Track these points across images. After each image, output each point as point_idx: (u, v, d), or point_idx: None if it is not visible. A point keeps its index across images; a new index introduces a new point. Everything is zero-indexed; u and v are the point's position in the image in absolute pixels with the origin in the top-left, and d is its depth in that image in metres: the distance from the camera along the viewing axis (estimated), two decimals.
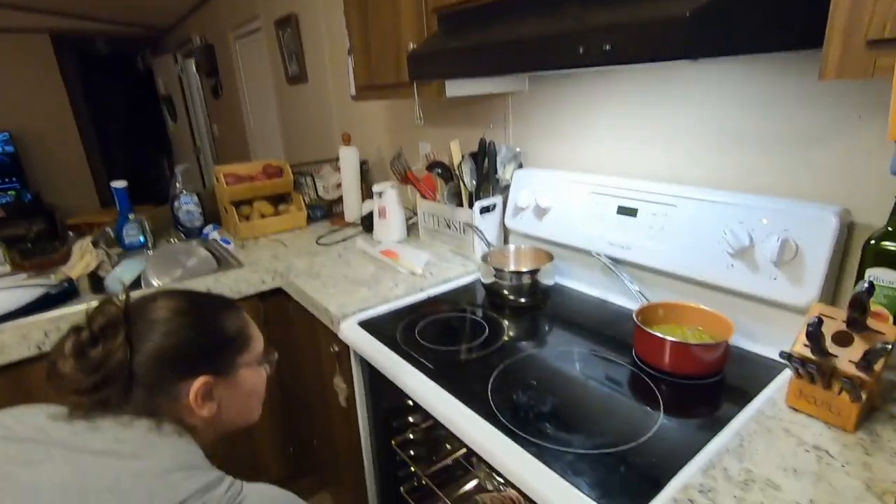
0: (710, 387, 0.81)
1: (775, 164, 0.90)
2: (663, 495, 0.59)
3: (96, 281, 1.44)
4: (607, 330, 1.02)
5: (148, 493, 0.54)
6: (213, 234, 1.74)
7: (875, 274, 0.73)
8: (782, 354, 0.64)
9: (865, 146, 0.79)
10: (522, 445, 0.70)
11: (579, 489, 0.62)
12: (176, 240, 1.71)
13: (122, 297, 0.64)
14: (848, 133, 0.80)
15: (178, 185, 1.78)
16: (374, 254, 1.46)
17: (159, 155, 5.72)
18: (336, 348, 1.19)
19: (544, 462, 0.66)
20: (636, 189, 1.05)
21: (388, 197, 1.56)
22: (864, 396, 0.64)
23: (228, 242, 1.67)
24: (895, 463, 0.61)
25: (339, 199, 1.92)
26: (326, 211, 1.97)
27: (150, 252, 1.55)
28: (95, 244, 1.50)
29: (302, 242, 1.67)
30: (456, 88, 1.22)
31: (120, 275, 1.40)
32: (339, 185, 1.92)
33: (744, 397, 0.77)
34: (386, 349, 0.98)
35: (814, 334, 0.60)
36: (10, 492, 0.53)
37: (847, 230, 0.81)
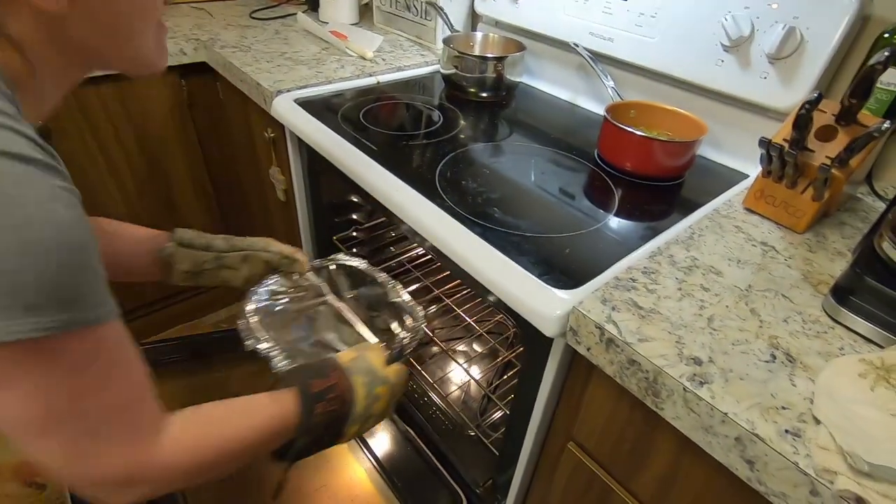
0: (668, 188, 0.78)
1: None
2: (606, 274, 0.57)
3: None
4: (572, 132, 0.94)
5: None
6: None
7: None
8: (762, 140, 0.58)
9: None
10: (466, 225, 0.64)
11: (522, 266, 0.58)
12: None
13: None
14: None
15: None
16: (319, 33, 1.24)
17: None
18: (271, 133, 1.06)
19: (488, 241, 0.62)
20: None
21: None
22: (826, 195, 0.61)
23: None
24: (835, 261, 0.61)
25: None
26: None
27: None
28: None
29: (232, 14, 1.39)
30: None
31: None
32: None
33: (701, 200, 0.74)
34: (325, 128, 0.86)
35: (805, 118, 0.54)
36: None
37: (861, 23, 0.71)
